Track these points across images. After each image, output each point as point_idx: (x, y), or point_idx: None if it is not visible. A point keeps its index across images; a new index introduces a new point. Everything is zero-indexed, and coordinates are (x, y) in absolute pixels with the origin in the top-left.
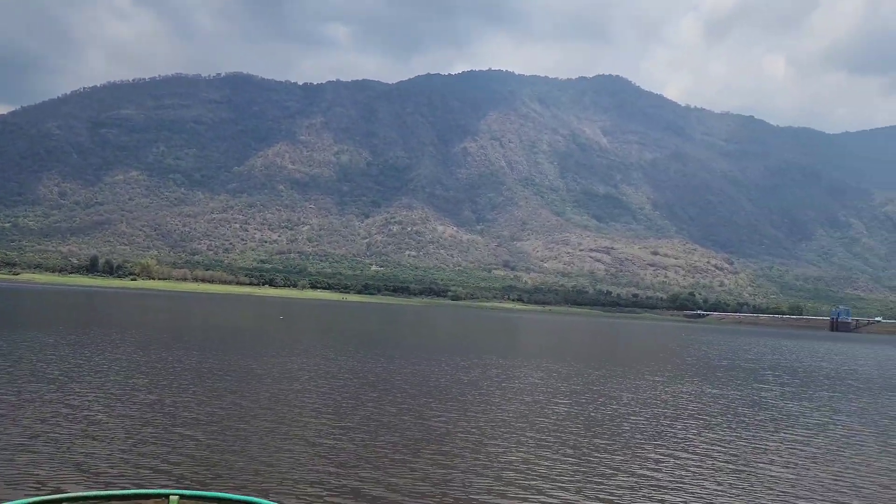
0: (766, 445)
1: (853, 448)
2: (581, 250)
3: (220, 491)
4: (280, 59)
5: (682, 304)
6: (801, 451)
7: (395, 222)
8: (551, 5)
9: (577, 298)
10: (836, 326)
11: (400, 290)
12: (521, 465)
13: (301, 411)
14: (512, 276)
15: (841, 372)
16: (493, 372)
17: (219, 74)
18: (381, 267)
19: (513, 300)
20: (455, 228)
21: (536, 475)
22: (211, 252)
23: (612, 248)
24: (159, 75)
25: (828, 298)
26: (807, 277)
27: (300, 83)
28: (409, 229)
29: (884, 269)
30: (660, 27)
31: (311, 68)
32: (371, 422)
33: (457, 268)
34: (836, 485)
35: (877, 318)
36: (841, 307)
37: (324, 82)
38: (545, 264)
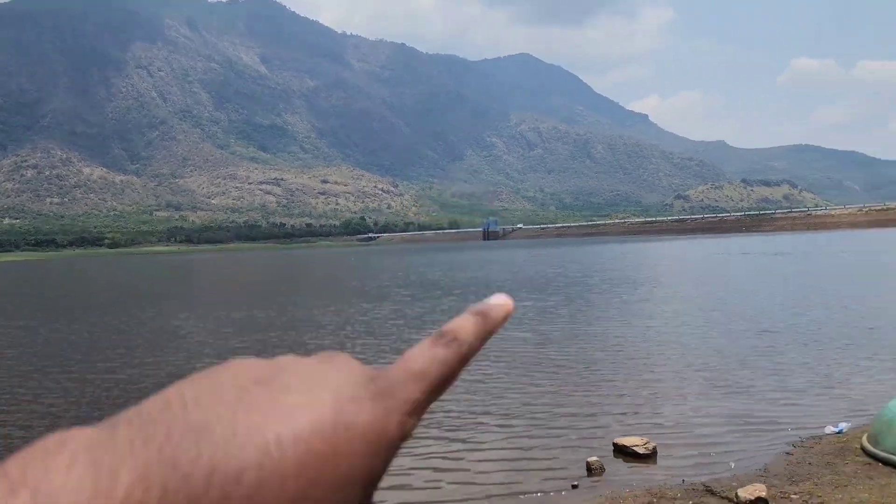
0: None
1: None
2: (250, 184)
3: None
4: None
5: (355, 229)
6: None
7: (29, 166)
8: None
9: (250, 234)
10: (487, 236)
11: (44, 243)
12: None
13: None
14: (177, 217)
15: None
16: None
17: None
18: (17, 219)
19: (180, 242)
20: (105, 170)
21: None
22: None
23: (281, 179)
24: None
25: (480, 211)
26: (462, 194)
27: None
28: (48, 173)
29: (521, 182)
30: None
31: None
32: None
33: (112, 213)
34: None
35: (519, 226)
36: (490, 218)
37: None
38: (213, 201)
